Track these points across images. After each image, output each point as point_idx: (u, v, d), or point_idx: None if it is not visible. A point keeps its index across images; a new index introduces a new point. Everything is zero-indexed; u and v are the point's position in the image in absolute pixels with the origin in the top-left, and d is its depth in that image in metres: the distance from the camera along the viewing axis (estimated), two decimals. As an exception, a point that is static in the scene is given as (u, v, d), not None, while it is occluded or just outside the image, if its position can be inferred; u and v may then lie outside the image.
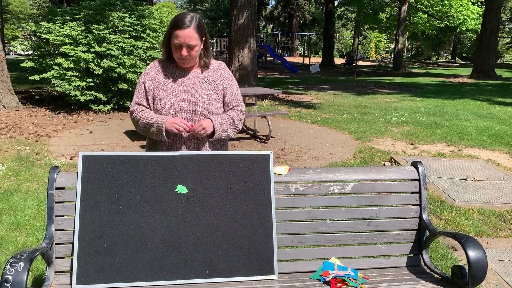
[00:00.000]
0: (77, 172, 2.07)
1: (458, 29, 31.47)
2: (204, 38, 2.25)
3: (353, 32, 54.56)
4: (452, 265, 2.11)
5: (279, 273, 2.16)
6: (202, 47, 2.27)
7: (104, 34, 9.00)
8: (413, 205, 2.34)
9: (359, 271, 2.19)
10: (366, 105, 11.61)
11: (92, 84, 9.10)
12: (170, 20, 2.23)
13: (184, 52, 2.17)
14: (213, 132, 2.28)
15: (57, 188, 2.07)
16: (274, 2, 55.71)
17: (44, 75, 8.87)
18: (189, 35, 2.14)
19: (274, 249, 2.12)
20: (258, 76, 17.44)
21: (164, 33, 2.37)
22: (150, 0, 19.95)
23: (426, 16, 31.85)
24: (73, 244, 2.02)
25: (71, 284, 1.97)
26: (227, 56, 15.64)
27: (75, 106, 9.36)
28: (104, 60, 8.91)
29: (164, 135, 2.21)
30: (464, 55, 57.36)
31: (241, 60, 12.75)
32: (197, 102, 2.26)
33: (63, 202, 2.08)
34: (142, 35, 9.76)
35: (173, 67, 2.31)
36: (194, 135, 2.25)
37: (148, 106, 2.32)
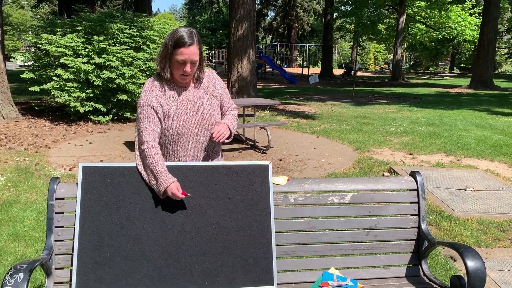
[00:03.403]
0: (77, 183, 2.08)
1: (456, 40, 31.64)
2: (200, 54, 2.27)
3: (351, 43, 54.86)
4: (451, 275, 2.11)
5: (278, 284, 2.16)
6: None
7: (104, 46, 9.05)
8: (411, 215, 2.35)
9: (358, 281, 2.19)
10: (365, 115, 11.65)
11: (91, 95, 9.13)
12: (167, 37, 2.22)
13: (188, 68, 2.18)
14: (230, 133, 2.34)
15: (57, 199, 2.08)
16: (273, 13, 56.10)
17: (44, 86, 8.91)
18: (193, 51, 2.18)
19: (273, 259, 2.12)
20: (257, 86, 17.51)
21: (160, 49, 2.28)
22: (150, 12, 20.09)
23: (424, 27, 32.05)
24: (72, 255, 2.02)
25: (70, 295, 1.97)
26: (226, 67, 15.72)
27: (75, 117, 9.39)
28: (104, 71, 8.95)
29: (161, 194, 2.11)
30: (462, 65, 57.61)
31: (240, 71, 12.81)
32: (205, 116, 2.30)
33: (62, 213, 2.08)
34: (141, 46, 9.82)
35: (173, 85, 2.28)
36: (219, 141, 2.26)
37: (159, 131, 2.24)
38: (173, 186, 2.08)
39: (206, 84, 2.37)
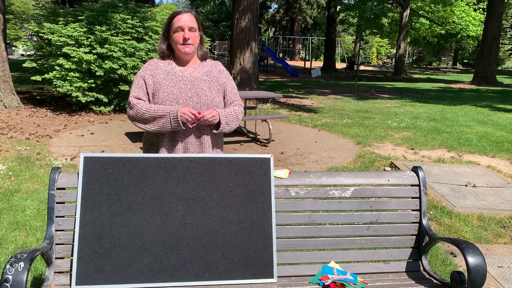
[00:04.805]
0: (78, 173, 2.08)
1: (459, 36, 31.48)
2: (200, 30, 2.37)
3: (354, 37, 54.62)
4: (451, 271, 2.11)
5: (278, 277, 2.16)
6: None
7: (106, 36, 9.02)
8: (413, 210, 2.34)
9: (358, 276, 2.19)
10: (367, 109, 11.62)
11: (93, 85, 9.11)
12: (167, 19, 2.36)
13: (186, 34, 2.26)
14: (218, 124, 2.34)
15: (58, 189, 2.07)
16: (276, 6, 55.82)
17: (46, 75, 8.88)
18: (189, 18, 2.28)
19: (273, 252, 2.12)
20: (260, 79, 17.46)
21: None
22: (153, 2, 19.99)
23: (427, 22, 31.87)
24: (73, 245, 2.02)
25: (70, 284, 1.97)
26: (229, 59, 15.68)
27: (76, 107, 9.37)
28: (106, 61, 8.93)
29: (181, 124, 2.21)
30: (465, 61, 57.35)
31: (242, 63, 12.77)
32: (200, 94, 2.31)
33: (63, 203, 2.08)
34: (144, 37, 9.78)
35: (173, 63, 2.37)
36: (202, 122, 2.27)
37: (146, 101, 2.31)
38: (182, 109, 2.20)
39: (209, 69, 2.41)
